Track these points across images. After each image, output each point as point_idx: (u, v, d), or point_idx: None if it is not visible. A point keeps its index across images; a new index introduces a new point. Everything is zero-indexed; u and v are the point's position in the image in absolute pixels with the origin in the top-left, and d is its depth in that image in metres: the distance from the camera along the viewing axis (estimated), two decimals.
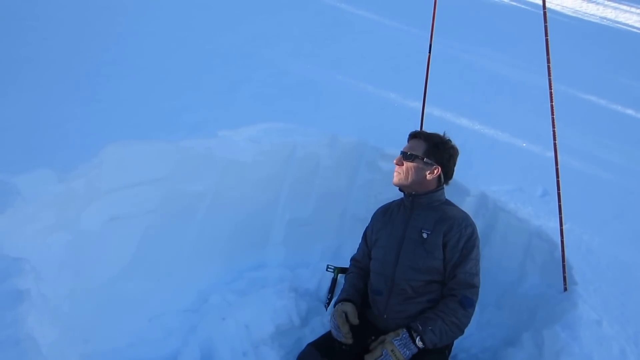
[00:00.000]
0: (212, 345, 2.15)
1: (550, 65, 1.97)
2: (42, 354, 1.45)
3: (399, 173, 2.04)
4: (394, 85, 3.87)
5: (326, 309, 2.48)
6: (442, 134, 2.09)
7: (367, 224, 2.25)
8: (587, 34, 6.41)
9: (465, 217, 1.98)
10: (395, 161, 2.07)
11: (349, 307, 2.01)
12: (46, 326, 1.58)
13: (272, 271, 2.67)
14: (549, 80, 2.00)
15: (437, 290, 1.93)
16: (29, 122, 2.66)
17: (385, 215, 2.15)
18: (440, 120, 3.36)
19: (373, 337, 1.90)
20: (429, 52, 2.61)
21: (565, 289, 2.12)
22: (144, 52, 3.88)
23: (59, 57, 3.57)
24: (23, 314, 1.47)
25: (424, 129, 2.56)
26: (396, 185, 2.07)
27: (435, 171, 2.00)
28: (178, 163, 2.41)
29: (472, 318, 1.88)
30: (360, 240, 2.28)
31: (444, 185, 2.07)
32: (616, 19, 7.10)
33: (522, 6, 7.02)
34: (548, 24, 1.97)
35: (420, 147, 2.03)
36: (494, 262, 2.43)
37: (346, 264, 2.32)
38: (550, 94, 2.02)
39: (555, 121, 2.05)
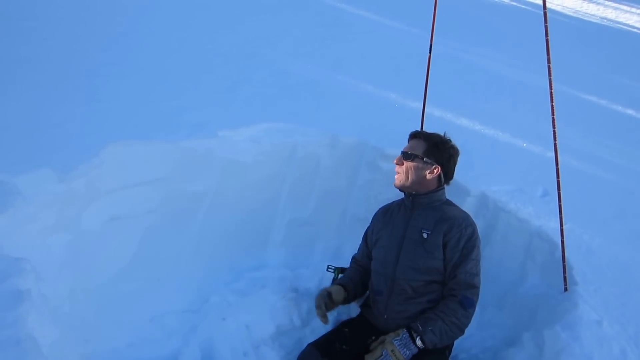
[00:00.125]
0: (213, 346, 2.15)
1: (551, 65, 1.97)
2: (43, 354, 1.45)
3: (399, 173, 2.04)
4: (395, 86, 3.87)
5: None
6: (442, 134, 2.10)
7: (368, 225, 2.26)
8: (588, 34, 6.41)
9: (465, 217, 1.98)
10: (395, 161, 2.07)
11: (334, 288, 2.07)
12: (47, 326, 1.58)
13: (273, 271, 2.67)
14: (550, 80, 2.00)
15: (438, 290, 1.93)
16: (29, 122, 2.66)
17: (385, 215, 2.15)
18: (441, 120, 3.36)
19: (373, 337, 1.90)
20: (430, 53, 2.61)
21: (566, 289, 2.12)
22: (144, 52, 3.88)
23: (59, 57, 3.57)
24: (23, 314, 1.47)
25: (424, 129, 2.56)
26: (397, 187, 2.07)
27: (435, 171, 2.00)
28: (178, 163, 2.41)
29: (473, 318, 1.88)
30: (360, 241, 2.28)
31: (445, 186, 2.07)
32: (616, 19, 7.10)
33: (522, 6, 7.03)
34: (548, 24, 1.97)
35: (420, 147, 2.03)
36: (494, 263, 2.43)
37: (346, 264, 2.33)
38: (551, 94, 2.02)
39: (555, 121, 2.05)
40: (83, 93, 3.10)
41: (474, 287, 1.87)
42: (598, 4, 7.68)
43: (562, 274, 2.12)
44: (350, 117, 3.27)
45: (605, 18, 7.12)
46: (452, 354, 2.04)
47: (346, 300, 2.13)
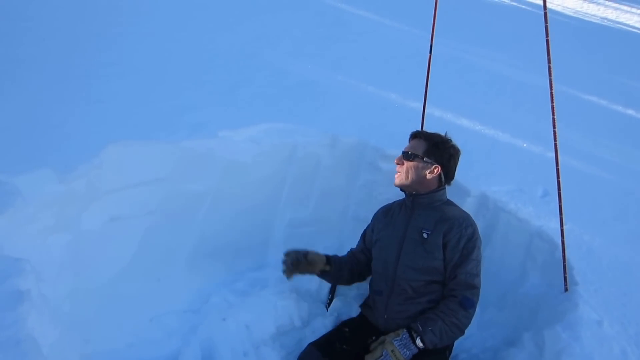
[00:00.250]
0: (213, 346, 2.14)
1: (551, 65, 1.97)
2: (43, 354, 1.45)
3: (400, 173, 2.05)
4: (395, 86, 3.87)
5: (327, 310, 2.48)
6: (443, 134, 2.10)
7: (368, 224, 2.26)
8: (588, 34, 6.41)
9: (466, 218, 1.97)
10: (395, 160, 2.07)
11: (313, 253, 2.14)
12: (47, 326, 1.58)
13: (273, 272, 2.66)
14: (550, 80, 2.00)
15: (438, 290, 1.93)
16: (29, 122, 2.66)
17: (387, 216, 2.15)
18: (441, 120, 3.36)
19: (373, 337, 1.91)
20: (430, 53, 2.61)
21: (566, 289, 2.12)
22: (144, 52, 3.87)
23: (59, 57, 3.57)
24: (23, 314, 1.47)
25: (424, 129, 2.56)
26: (397, 186, 2.08)
27: (435, 170, 2.00)
28: (178, 163, 2.41)
29: (473, 318, 1.88)
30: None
31: (446, 186, 2.07)
32: (617, 20, 7.10)
33: (522, 6, 7.03)
34: (549, 24, 1.97)
35: (420, 147, 2.04)
36: (494, 263, 2.43)
37: None
38: (551, 94, 2.02)
39: (556, 121, 2.05)
40: (83, 93, 3.10)
41: (475, 288, 1.87)
42: (598, 4, 7.68)
43: (563, 274, 2.11)
44: (351, 117, 3.27)
45: (606, 18, 7.12)
46: (453, 354, 2.04)
47: (323, 275, 2.19)
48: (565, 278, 2.11)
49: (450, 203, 2.07)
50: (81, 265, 2.07)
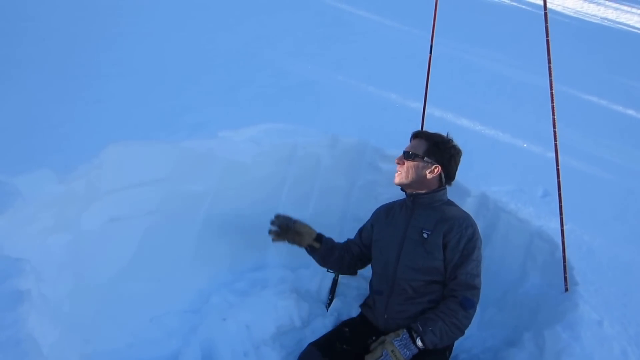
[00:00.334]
0: (213, 346, 2.14)
1: (552, 65, 1.97)
2: (43, 354, 1.44)
3: (400, 172, 2.05)
4: (395, 86, 3.87)
5: (327, 310, 2.48)
6: (445, 134, 2.10)
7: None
8: (588, 34, 6.42)
9: (466, 218, 1.97)
10: (396, 160, 2.08)
11: (304, 224, 2.17)
12: (47, 327, 1.58)
13: (273, 272, 2.66)
14: (550, 80, 2.00)
15: (438, 290, 1.93)
16: (29, 122, 2.66)
17: (388, 216, 2.15)
18: (441, 120, 3.36)
19: (374, 338, 1.90)
20: (430, 53, 2.61)
21: (566, 290, 2.12)
22: (144, 52, 3.87)
23: (59, 57, 3.56)
24: (23, 314, 1.47)
25: (425, 129, 2.55)
26: (397, 184, 2.08)
27: (436, 170, 2.00)
28: (178, 164, 2.41)
29: (473, 318, 1.87)
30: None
31: (447, 186, 2.07)
32: (617, 20, 7.11)
33: (522, 6, 7.03)
34: (549, 24, 1.97)
35: (421, 147, 2.04)
36: (495, 263, 2.43)
37: None
38: (551, 94, 2.02)
39: (556, 122, 2.05)
40: (83, 93, 3.09)
41: (475, 288, 1.87)
42: (598, 4, 7.69)
43: (563, 274, 2.12)
44: (351, 118, 3.26)
45: (606, 18, 7.13)
46: (453, 354, 2.04)
47: (312, 252, 2.20)
48: (565, 278, 2.11)
49: (450, 203, 2.07)
50: (81, 265, 2.07)
